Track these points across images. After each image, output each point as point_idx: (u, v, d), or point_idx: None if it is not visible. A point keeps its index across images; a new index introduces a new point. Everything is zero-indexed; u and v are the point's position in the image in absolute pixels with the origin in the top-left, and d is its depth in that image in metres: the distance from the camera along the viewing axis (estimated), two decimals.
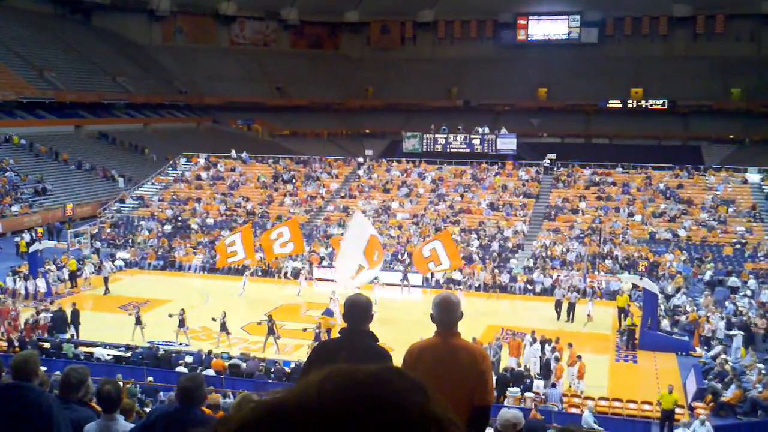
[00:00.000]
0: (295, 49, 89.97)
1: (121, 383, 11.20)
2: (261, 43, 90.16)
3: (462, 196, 45.54)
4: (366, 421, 1.00)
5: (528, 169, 48.53)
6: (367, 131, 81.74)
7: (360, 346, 4.05)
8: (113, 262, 36.73)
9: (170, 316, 25.47)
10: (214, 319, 25.30)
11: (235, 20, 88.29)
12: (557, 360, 21.47)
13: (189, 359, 22.11)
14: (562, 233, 40.25)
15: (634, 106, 77.50)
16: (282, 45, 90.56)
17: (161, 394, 17.25)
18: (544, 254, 37.11)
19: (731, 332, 25.00)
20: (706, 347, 25.22)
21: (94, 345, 23.78)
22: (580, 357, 21.44)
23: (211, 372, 20.66)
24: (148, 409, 10.25)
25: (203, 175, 51.02)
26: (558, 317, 29.43)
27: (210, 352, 22.56)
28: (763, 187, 43.95)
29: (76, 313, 26.04)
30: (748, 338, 25.18)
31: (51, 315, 26.20)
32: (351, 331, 4.16)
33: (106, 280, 32.53)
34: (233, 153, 53.62)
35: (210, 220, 44.26)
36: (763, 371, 21.14)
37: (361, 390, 1.05)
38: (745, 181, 44.94)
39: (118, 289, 32.80)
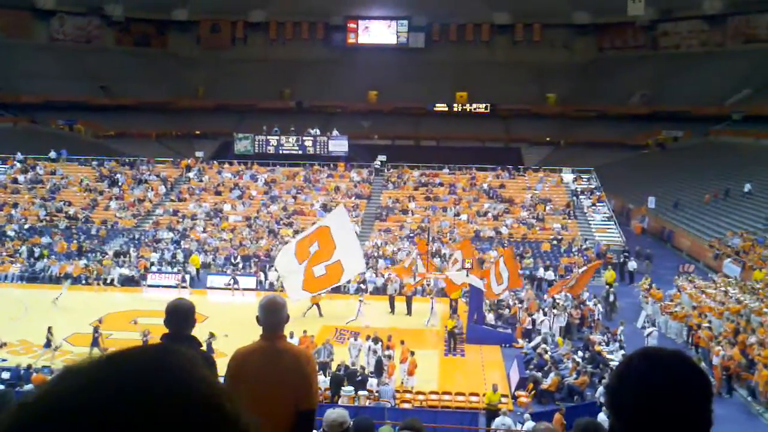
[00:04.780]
0: (121, 47, 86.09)
1: None
2: (83, 40, 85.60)
3: (295, 197, 45.58)
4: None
5: (359, 170, 49.29)
6: (198, 132, 79.65)
7: None
8: None
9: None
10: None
11: (54, 15, 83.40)
12: (389, 358, 22.02)
13: (6, 375, 20.78)
14: (393, 233, 41.22)
15: (459, 109, 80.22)
16: (106, 42, 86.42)
17: None
18: (376, 254, 37.82)
19: (543, 320, 26.64)
20: (527, 339, 26.69)
21: None
22: (412, 353, 22.08)
23: (31, 387, 19.53)
24: None
25: (20, 178, 47.91)
26: (392, 311, 30.76)
27: (30, 367, 21.31)
28: (576, 186, 47.07)
29: None
30: (565, 328, 27.01)
31: None
32: (173, 337, 4.14)
33: None
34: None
35: (28, 227, 41.66)
36: (576, 359, 22.68)
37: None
38: (561, 181, 47.98)
39: None
